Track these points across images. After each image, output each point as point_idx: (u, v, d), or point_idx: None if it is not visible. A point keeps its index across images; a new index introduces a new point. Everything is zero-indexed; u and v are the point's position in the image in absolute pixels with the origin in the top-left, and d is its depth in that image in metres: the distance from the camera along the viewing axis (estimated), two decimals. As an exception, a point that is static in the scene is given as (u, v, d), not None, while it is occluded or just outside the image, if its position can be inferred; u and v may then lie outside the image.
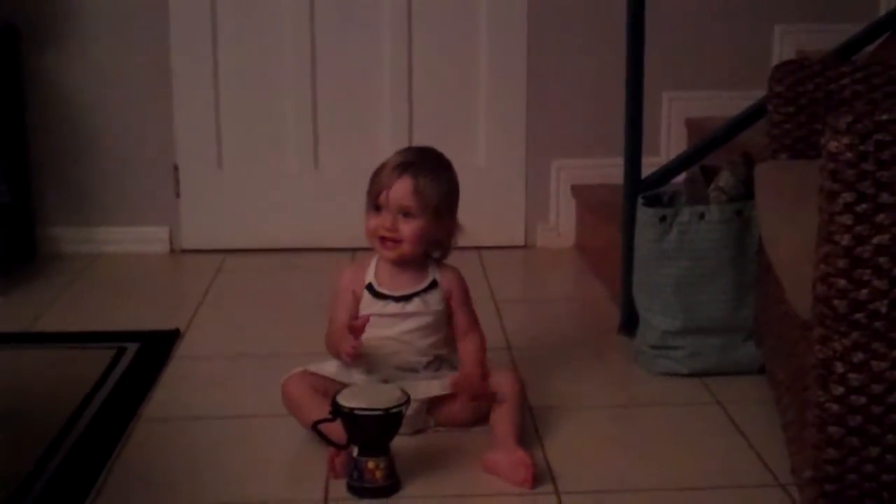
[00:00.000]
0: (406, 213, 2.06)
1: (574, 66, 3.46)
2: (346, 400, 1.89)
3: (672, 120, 3.51)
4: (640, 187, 2.56)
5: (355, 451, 1.90)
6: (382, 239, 2.08)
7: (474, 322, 2.16)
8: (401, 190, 2.06)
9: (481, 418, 2.09)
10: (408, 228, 2.06)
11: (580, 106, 3.48)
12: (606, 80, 3.29)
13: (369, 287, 2.11)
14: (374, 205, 2.08)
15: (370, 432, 1.89)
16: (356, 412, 1.87)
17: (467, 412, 2.10)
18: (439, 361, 2.14)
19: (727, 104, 3.15)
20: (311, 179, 3.49)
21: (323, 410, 1.92)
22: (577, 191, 3.50)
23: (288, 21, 3.41)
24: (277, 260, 3.42)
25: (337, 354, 2.08)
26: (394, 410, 1.88)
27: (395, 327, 2.10)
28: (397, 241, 2.07)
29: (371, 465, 1.88)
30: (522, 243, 3.54)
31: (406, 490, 1.91)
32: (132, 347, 2.58)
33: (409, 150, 2.18)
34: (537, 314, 2.94)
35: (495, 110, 3.48)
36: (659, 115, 3.47)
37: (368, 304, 2.10)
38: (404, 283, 2.11)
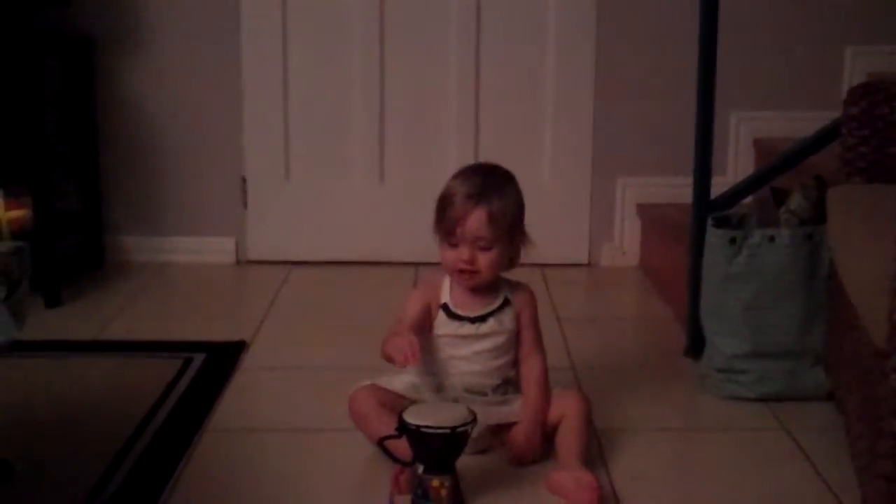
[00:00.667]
0: (482, 244, 2.05)
1: (641, 84, 3.45)
2: (412, 417, 1.89)
3: (740, 140, 3.48)
4: (709, 208, 2.54)
5: (420, 469, 1.90)
6: (462, 272, 2.07)
7: (538, 342, 2.15)
8: (476, 222, 2.03)
9: (547, 436, 2.08)
10: (485, 259, 2.05)
11: (646, 124, 3.47)
12: (674, 97, 3.27)
13: (444, 307, 2.11)
14: (450, 238, 2.06)
15: (436, 450, 1.89)
16: (423, 429, 1.87)
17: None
18: (507, 385, 2.13)
19: (795, 125, 3.13)
20: (377, 193, 3.51)
21: (390, 426, 1.92)
22: (643, 209, 3.48)
23: (357, 36, 3.43)
24: (342, 272, 3.44)
25: (388, 357, 2.02)
26: (460, 429, 1.87)
27: (468, 347, 2.10)
28: (476, 272, 2.07)
29: (436, 483, 1.88)
30: (586, 261, 3.53)
31: (470, 508, 1.91)
32: (199, 358, 2.60)
33: (473, 172, 2.11)
34: (601, 334, 2.92)
35: (561, 127, 3.47)
36: (727, 135, 3.45)
37: (443, 324, 2.10)
38: (479, 304, 2.11)
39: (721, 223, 2.41)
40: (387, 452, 1.94)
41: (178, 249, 3.52)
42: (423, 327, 2.09)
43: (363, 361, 2.44)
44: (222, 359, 2.61)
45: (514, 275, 2.17)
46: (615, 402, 2.37)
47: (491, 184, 2.07)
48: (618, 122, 3.47)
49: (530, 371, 2.12)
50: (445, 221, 2.06)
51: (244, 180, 3.50)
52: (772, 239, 2.34)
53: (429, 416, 1.89)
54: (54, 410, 2.33)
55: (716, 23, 2.52)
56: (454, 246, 2.06)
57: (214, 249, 3.53)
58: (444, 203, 2.06)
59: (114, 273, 3.41)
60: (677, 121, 3.09)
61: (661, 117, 3.42)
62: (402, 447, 1.92)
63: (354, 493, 2.00)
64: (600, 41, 3.43)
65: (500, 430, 2.11)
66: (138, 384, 2.45)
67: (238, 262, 3.54)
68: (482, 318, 2.10)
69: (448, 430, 1.86)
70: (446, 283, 2.13)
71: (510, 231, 2.06)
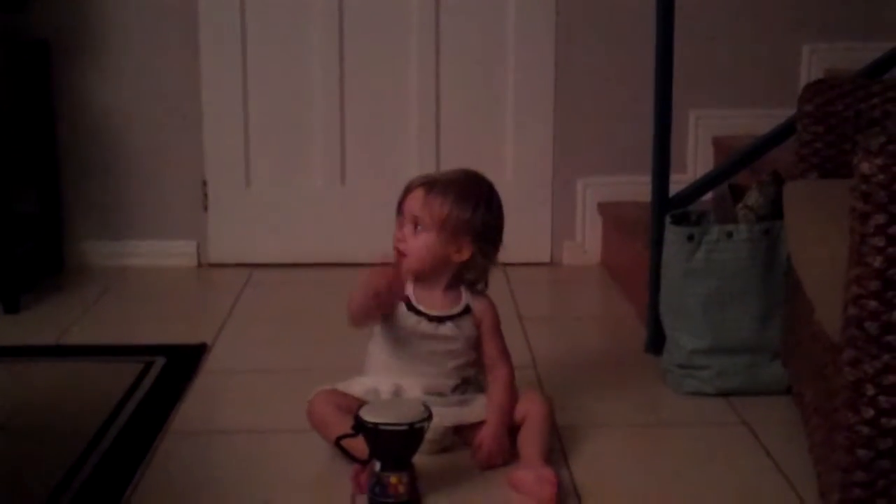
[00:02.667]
0: (416, 226, 2.07)
1: (601, 84, 3.46)
2: (368, 415, 1.89)
3: (699, 138, 3.50)
4: (668, 205, 2.55)
5: (377, 466, 1.90)
6: (396, 250, 2.09)
7: (503, 352, 2.15)
8: (413, 200, 2.07)
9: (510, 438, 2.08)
10: (413, 242, 2.07)
11: (607, 123, 3.48)
12: (633, 97, 3.29)
13: (407, 302, 2.11)
14: (398, 214, 2.11)
15: (393, 447, 1.89)
16: (379, 427, 1.87)
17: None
18: (466, 384, 2.14)
19: (754, 123, 3.16)
20: (338, 195, 3.50)
21: (347, 428, 1.92)
22: (604, 208, 3.50)
23: (316, 40, 3.42)
24: (304, 275, 3.43)
25: (359, 308, 2.04)
26: (417, 425, 1.88)
27: (425, 346, 2.10)
28: (403, 254, 2.08)
29: (394, 479, 1.88)
30: (549, 260, 3.54)
31: (430, 506, 1.91)
32: (159, 361, 2.59)
33: (454, 169, 2.16)
34: (563, 332, 2.93)
35: (522, 127, 3.48)
36: (686, 133, 3.47)
37: (403, 317, 2.10)
38: (438, 304, 2.11)
39: (679, 220, 2.42)
40: (344, 452, 1.94)
41: (139, 253, 3.50)
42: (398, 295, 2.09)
43: (324, 363, 2.45)
44: (183, 362, 2.60)
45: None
46: (576, 399, 2.38)
47: (453, 180, 2.09)
48: (578, 122, 3.48)
49: (496, 378, 2.13)
50: (399, 199, 2.10)
51: (205, 183, 3.49)
52: (729, 235, 2.36)
53: (385, 413, 1.90)
54: (14, 416, 2.31)
55: (672, 21, 2.54)
56: (399, 223, 2.10)
57: (175, 253, 3.51)
58: (406, 186, 2.12)
59: (74, 278, 3.39)
60: (637, 120, 3.10)
61: (621, 117, 3.43)
62: (359, 446, 1.92)
63: (315, 494, 2.00)
64: (560, 42, 3.44)
65: (461, 430, 2.11)
66: (99, 388, 2.44)
67: (199, 265, 3.53)
68: (440, 320, 2.10)
69: (405, 427, 1.86)
70: (410, 281, 2.13)
71: (448, 228, 2.05)
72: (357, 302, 2.06)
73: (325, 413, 2.07)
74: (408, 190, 2.10)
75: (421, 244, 2.07)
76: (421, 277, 2.11)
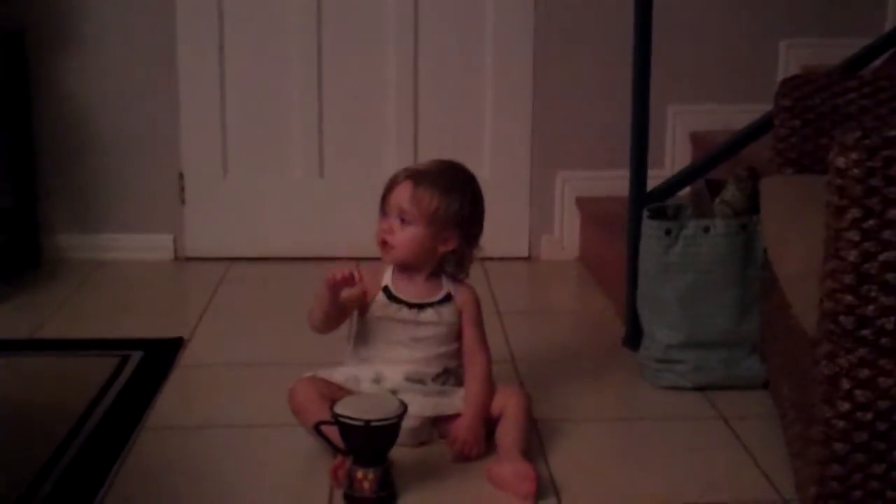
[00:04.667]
0: (403, 219, 2.07)
1: (579, 79, 3.47)
2: (341, 407, 1.90)
3: (677, 133, 3.51)
4: (646, 200, 2.56)
5: (351, 459, 1.90)
6: (382, 242, 2.10)
7: (482, 342, 2.16)
8: (400, 193, 2.08)
9: (487, 432, 2.09)
10: (401, 234, 2.08)
11: (585, 118, 3.48)
12: (612, 92, 3.29)
13: (386, 289, 2.12)
14: (382, 208, 2.11)
15: (356, 442, 1.89)
16: (342, 420, 1.87)
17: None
18: (447, 375, 2.14)
19: (732, 118, 3.16)
20: (316, 188, 3.50)
21: (327, 415, 1.93)
22: (582, 203, 3.50)
23: (294, 31, 3.41)
24: (282, 268, 3.42)
25: (313, 318, 2.10)
26: (375, 423, 1.86)
27: (406, 333, 2.11)
28: (391, 246, 2.09)
29: (360, 474, 1.88)
30: (526, 255, 3.55)
31: (406, 500, 1.91)
32: (136, 355, 2.58)
33: (435, 161, 2.17)
34: (541, 326, 2.93)
35: (500, 121, 3.48)
36: (664, 129, 3.47)
37: (382, 306, 2.11)
38: (419, 292, 2.12)
39: (657, 215, 2.43)
40: (323, 438, 1.95)
41: (116, 247, 3.48)
42: (357, 300, 2.11)
43: (302, 357, 2.44)
44: (160, 356, 2.59)
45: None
46: (554, 393, 2.38)
47: (438, 173, 2.11)
48: (557, 117, 3.49)
49: (473, 367, 2.13)
50: (383, 191, 2.11)
51: (181, 176, 3.48)
52: (706, 230, 2.37)
53: (355, 407, 1.90)
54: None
55: (650, 17, 2.54)
56: (384, 216, 2.10)
57: (152, 246, 3.49)
58: (390, 178, 2.12)
59: (50, 271, 3.37)
60: (615, 115, 3.10)
61: (599, 111, 3.44)
62: (336, 434, 1.92)
63: (294, 488, 1.99)
64: (538, 36, 3.44)
65: (440, 423, 2.11)
66: (75, 382, 2.42)
67: (176, 258, 3.51)
68: (421, 307, 2.11)
69: (362, 423, 1.86)
70: (390, 269, 2.14)
71: (433, 220, 2.07)
72: (314, 308, 2.09)
73: (307, 399, 2.07)
74: (393, 182, 2.11)
75: (409, 236, 2.08)
76: (404, 267, 2.12)
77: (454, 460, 2.04)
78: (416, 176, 2.09)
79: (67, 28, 3.38)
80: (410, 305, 2.11)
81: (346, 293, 2.06)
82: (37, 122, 3.40)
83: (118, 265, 3.43)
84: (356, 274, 2.04)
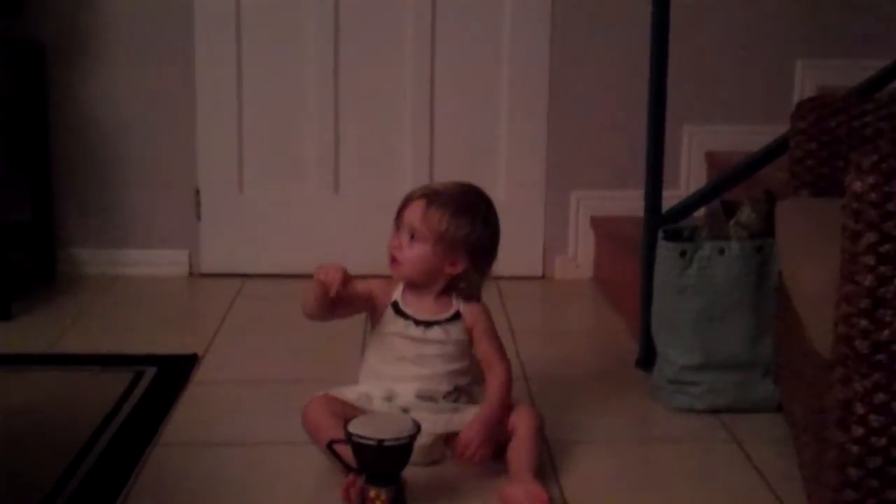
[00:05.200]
0: (412, 236, 2.08)
1: (595, 98, 3.47)
2: (354, 426, 1.90)
3: (692, 153, 3.51)
4: (661, 221, 2.56)
5: (363, 478, 1.90)
6: (391, 257, 2.11)
7: (500, 350, 2.15)
8: (412, 210, 2.09)
9: (498, 452, 2.08)
10: (409, 251, 2.09)
11: (601, 137, 3.49)
12: (627, 111, 3.30)
13: (395, 304, 2.12)
14: (396, 223, 2.13)
15: (369, 461, 1.89)
16: (354, 439, 1.88)
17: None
18: (458, 392, 2.14)
19: (747, 139, 3.15)
20: (331, 205, 3.51)
21: (340, 434, 1.93)
22: (597, 222, 3.50)
23: (312, 48, 3.43)
24: (297, 285, 3.34)
25: (308, 305, 2.11)
26: (389, 443, 1.86)
27: (415, 349, 2.11)
28: (399, 262, 2.09)
29: (372, 493, 1.88)
30: (540, 274, 3.55)
31: (419, 521, 1.91)
32: (150, 371, 2.58)
33: (454, 182, 2.17)
34: (555, 346, 2.93)
35: (516, 140, 3.49)
36: (679, 148, 3.48)
37: (391, 321, 2.12)
38: (428, 310, 2.12)
39: (672, 236, 2.42)
40: (336, 456, 1.95)
41: (131, 262, 3.50)
42: (355, 298, 2.11)
43: (316, 375, 2.45)
44: (174, 372, 2.60)
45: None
46: (567, 413, 2.38)
47: (454, 195, 2.11)
48: (572, 136, 3.49)
49: (494, 378, 2.12)
50: (399, 208, 2.12)
51: (197, 192, 3.49)
52: (722, 251, 2.36)
53: (369, 426, 1.90)
54: (3, 424, 2.30)
55: (667, 36, 2.55)
56: (396, 231, 2.11)
57: (167, 262, 3.51)
58: (407, 195, 2.14)
59: (65, 286, 3.38)
60: (631, 134, 3.11)
61: (614, 131, 3.44)
62: (349, 453, 1.92)
63: (306, 507, 2.00)
64: (554, 56, 3.45)
65: (452, 441, 2.10)
66: (89, 398, 2.43)
67: (191, 274, 3.52)
68: (428, 324, 2.11)
69: (374, 442, 1.86)
70: (401, 285, 2.15)
71: (443, 240, 2.07)
72: (307, 294, 2.10)
73: (319, 419, 2.07)
74: (408, 200, 2.12)
75: (415, 254, 2.09)
76: (412, 284, 2.13)
77: (455, 459, 2.04)
78: (431, 195, 2.10)
79: (87, 44, 3.40)
80: (417, 322, 2.11)
81: (336, 291, 2.03)
82: (54, 136, 3.42)
83: (133, 280, 3.44)
84: (338, 277, 2.01)
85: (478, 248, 2.11)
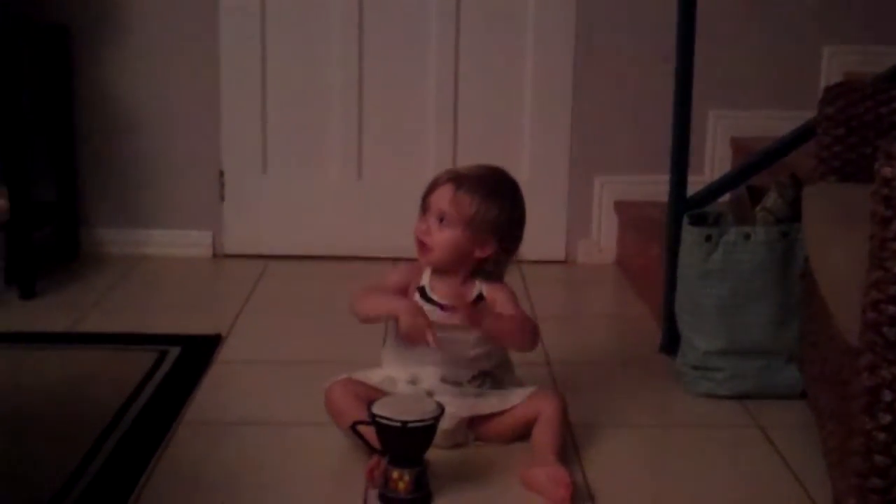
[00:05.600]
0: (442, 219, 2.07)
1: (619, 82, 3.46)
2: (378, 407, 1.90)
3: (717, 138, 3.50)
4: (686, 206, 2.55)
5: (387, 459, 1.91)
6: (419, 242, 2.10)
7: (524, 314, 2.13)
8: (441, 194, 2.08)
9: (522, 435, 2.08)
10: (438, 236, 2.08)
11: (625, 122, 3.48)
12: (651, 96, 3.28)
13: (421, 289, 2.12)
14: (422, 209, 2.11)
15: (392, 443, 1.89)
16: (378, 420, 1.88)
17: (509, 429, 2.10)
18: (483, 377, 2.14)
19: (773, 124, 3.14)
20: (354, 188, 3.51)
21: (364, 416, 1.94)
22: (620, 207, 3.49)
23: (336, 31, 3.43)
24: (319, 267, 3.43)
25: (366, 316, 2.10)
26: (412, 425, 1.86)
27: (440, 334, 2.09)
28: (428, 247, 2.08)
29: (395, 475, 1.88)
30: (563, 258, 3.54)
31: (441, 502, 1.90)
32: (174, 351, 2.59)
33: (480, 165, 2.16)
34: (577, 330, 2.93)
35: (539, 124, 3.48)
36: (704, 133, 3.46)
37: None
38: (454, 294, 2.11)
39: (697, 221, 2.42)
40: (360, 437, 1.96)
41: (155, 242, 3.51)
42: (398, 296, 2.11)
43: (339, 356, 2.45)
44: (198, 352, 2.61)
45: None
46: (590, 398, 2.38)
47: (480, 178, 2.10)
48: (596, 120, 3.48)
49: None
50: (425, 191, 2.11)
51: (221, 174, 3.49)
52: (747, 237, 2.35)
53: (393, 408, 1.90)
54: (28, 402, 2.32)
55: (693, 21, 2.53)
56: (423, 216, 2.10)
57: (191, 243, 3.52)
58: (433, 179, 2.12)
59: (89, 265, 3.40)
60: (655, 119, 3.09)
61: (639, 115, 3.43)
62: (373, 434, 1.93)
63: (329, 487, 2.00)
64: (579, 39, 3.43)
65: (476, 425, 2.11)
66: (113, 377, 2.44)
67: (215, 255, 3.53)
68: (454, 308, 2.10)
69: (398, 424, 1.86)
70: (428, 270, 2.14)
71: (473, 223, 2.07)
72: (374, 312, 2.10)
73: (343, 401, 2.08)
74: (435, 184, 2.11)
75: (445, 238, 2.08)
76: (440, 269, 2.12)
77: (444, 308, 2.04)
78: (459, 179, 2.09)
79: (111, 23, 3.40)
80: (444, 307, 2.11)
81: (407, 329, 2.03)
82: (79, 116, 3.44)
83: (157, 260, 3.46)
84: (430, 337, 2.00)
85: (506, 229, 2.11)
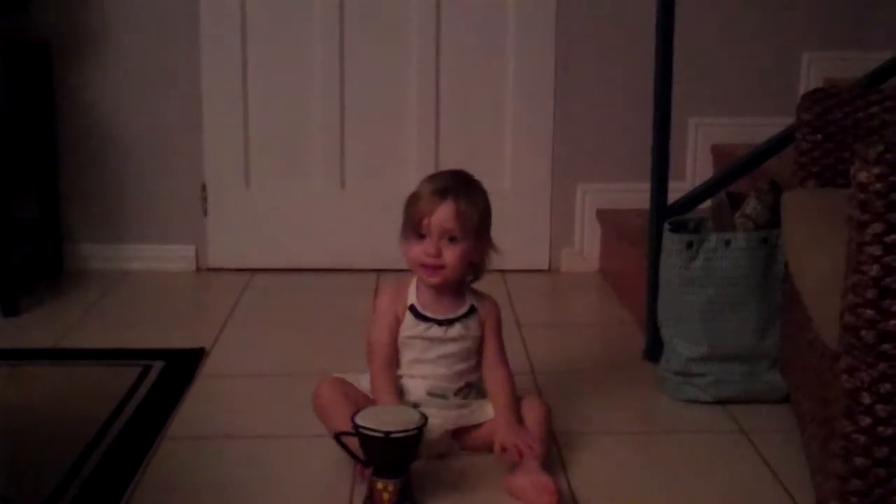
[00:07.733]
0: (451, 238, 2.06)
1: (601, 91, 3.47)
2: (361, 418, 1.90)
3: (698, 145, 3.51)
4: (667, 213, 2.56)
5: (371, 469, 1.91)
6: (425, 266, 2.07)
7: (503, 353, 2.16)
8: (443, 214, 2.04)
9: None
10: (451, 253, 2.06)
11: (606, 130, 3.49)
12: (633, 104, 3.30)
13: (412, 308, 2.11)
14: (417, 233, 2.07)
15: (375, 453, 1.89)
16: (361, 430, 1.88)
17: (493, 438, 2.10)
18: (468, 388, 2.14)
19: (753, 131, 3.16)
20: (338, 200, 3.51)
21: (349, 419, 1.93)
22: (603, 215, 3.50)
23: (317, 43, 3.43)
24: (303, 280, 3.43)
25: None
26: (395, 435, 1.87)
27: (433, 351, 2.10)
28: (441, 267, 2.07)
29: (379, 486, 1.88)
30: (547, 267, 3.55)
31: (427, 513, 1.91)
32: (157, 365, 2.59)
33: (441, 175, 2.15)
34: (561, 338, 2.93)
35: (521, 133, 3.49)
36: (685, 141, 3.47)
37: (410, 326, 2.10)
38: (446, 308, 2.11)
39: (678, 228, 2.43)
40: (343, 447, 1.96)
41: (138, 257, 3.50)
42: (396, 344, 2.11)
43: (323, 368, 2.44)
44: (181, 366, 2.60)
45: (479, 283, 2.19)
46: (574, 405, 2.38)
47: (459, 183, 2.10)
48: (578, 129, 3.49)
49: (497, 380, 2.13)
50: (413, 216, 2.06)
51: (204, 187, 3.49)
52: (727, 243, 2.36)
53: (376, 418, 1.90)
54: (11, 419, 2.31)
55: (672, 29, 2.55)
56: (420, 238, 2.06)
57: (174, 257, 3.52)
58: (413, 200, 2.08)
59: (73, 281, 3.39)
60: (636, 127, 3.11)
61: (620, 123, 3.44)
62: (358, 444, 1.93)
63: (314, 500, 2.00)
64: (559, 48, 3.45)
65: (460, 435, 2.11)
66: (97, 392, 2.44)
67: (198, 269, 3.53)
68: (450, 322, 2.10)
69: (381, 434, 1.86)
70: (413, 285, 2.13)
71: (476, 231, 2.07)
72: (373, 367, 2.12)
73: (331, 399, 2.08)
74: (428, 205, 2.05)
75: (458, 254, 2.06)
76: (443, 286, 2.10)
77: (504, 456, 2.02)
78: (450, 193, 2.05)
79: (92, 40, 3.40)
80: (440, 322, 2.10)
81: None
82: (61, 132, 3.43)
83: (140, 275, 3.45)
84: None
85: (490, 220, 2.12)
